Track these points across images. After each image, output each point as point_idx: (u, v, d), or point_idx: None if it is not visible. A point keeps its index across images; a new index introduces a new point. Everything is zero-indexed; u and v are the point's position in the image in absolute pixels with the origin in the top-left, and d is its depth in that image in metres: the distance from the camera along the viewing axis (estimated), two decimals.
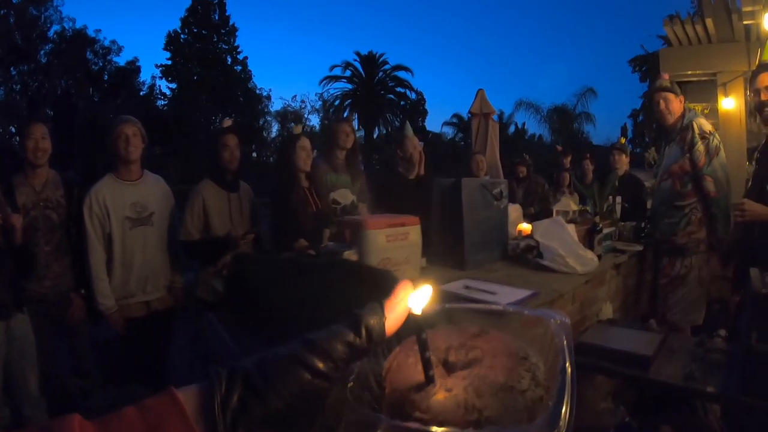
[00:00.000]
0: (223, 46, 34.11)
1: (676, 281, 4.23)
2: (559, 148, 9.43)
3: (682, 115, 4.30)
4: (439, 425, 0.64)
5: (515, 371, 0.71)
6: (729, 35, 8.47)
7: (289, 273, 2.14)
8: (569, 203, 4.88)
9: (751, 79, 3.63)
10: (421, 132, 33.70)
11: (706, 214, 4.12)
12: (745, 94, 8.35)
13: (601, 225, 3.96)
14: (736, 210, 3.47)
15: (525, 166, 7.90)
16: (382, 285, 1.88)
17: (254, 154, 33.59)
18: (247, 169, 5.79)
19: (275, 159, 25.75)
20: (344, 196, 4.54)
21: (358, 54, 37.73)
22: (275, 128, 35.59)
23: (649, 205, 5.74)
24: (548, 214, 5.21)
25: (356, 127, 35.54)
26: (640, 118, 31.09)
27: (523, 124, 37.84)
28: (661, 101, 4.31)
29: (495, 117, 8.57)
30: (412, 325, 0.73)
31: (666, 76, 4.47)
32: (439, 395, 0.69)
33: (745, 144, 8.33)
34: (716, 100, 9.03)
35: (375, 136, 37.84)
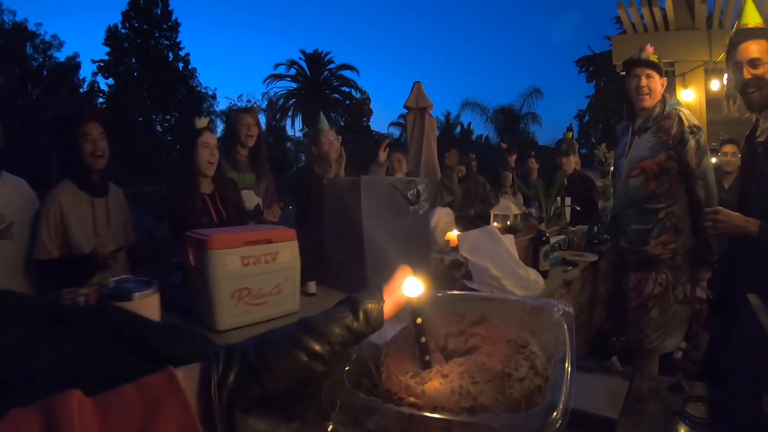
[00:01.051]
0: (165, 42, 33.11)
1: (649, 302, 3.56)
2: (504, 145, 8.77)
3: (663, 102, 3.62)
4: (434, 411, 0.64)
5: (513, 359, 0.70)
6: (688, 22, 7.89)
7: (38, 327, 1.38)
8: (509, 205, 4.08)
9: (728, 51, 2.90)
10: (365, 132, 33.21)
11: (686, 222, 3.54)
12: (706, 85, 7.89)
13: (547, 233, 3.17)
14: (707, 219, 2.84)
15: (464, 164, 7.33)
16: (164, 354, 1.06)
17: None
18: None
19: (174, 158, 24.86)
20: (248, 199, 4.01)
21: (303, 52, 37.44)
22: (220, 128, 34.18)
23: (600, 206, 5.05)
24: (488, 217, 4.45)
25: (300, 127, 35.11)
26: (587, 118, 31.90)
27: (469, 124, 38.34)
28: (644, 77, 3.59)
29: (433, 112, 7.81)
30: (411, 311, 0.71)
31: (650, 49, 3.72)
32: (435, 381, 0.68)
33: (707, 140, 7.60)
34: (674, 93, 8.15)
35: None
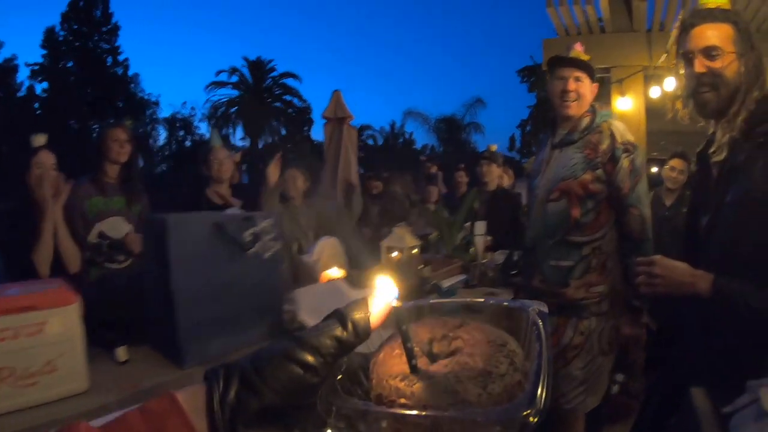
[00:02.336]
0: (105, 45, 32.32)
1: (568, 353, 2.90)
2: (423, 158, 8.20)
3: (592, 112, 3.00)
4: (423, 409, 0.67)
5: (494, 358, 0.73)
6: (626, 24, 7.28)
7: None
8: (404, 236, 3.37)
9: (678, 38, 2.11)
10: (304, 141, 32.76)
11: (615, 260, 2.92)
12: (645, 92, 7.25)
13: (434, 280, 2.50)
14: (639, 271, 2.04)
15: (380, 180, 6.85)
16: None
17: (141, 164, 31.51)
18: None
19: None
20: (115, 227, 3.61)
21: (246, 59, 37.06)
22: (163, 136, 34.44)
23: None
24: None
25: (242, 135, 34.98)
26: (528, 128, 32.27)
27: (411, 134, 38.27)
28: (571, 80, 2.96)
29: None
30: (395, 318, 0.73)
31: (580, 47, 3.09)
32: (423, 382, 0.70)
33: (645, 155, 6.98)
34: (610, 101, 7.67)
35: (260, 146, 36.46)
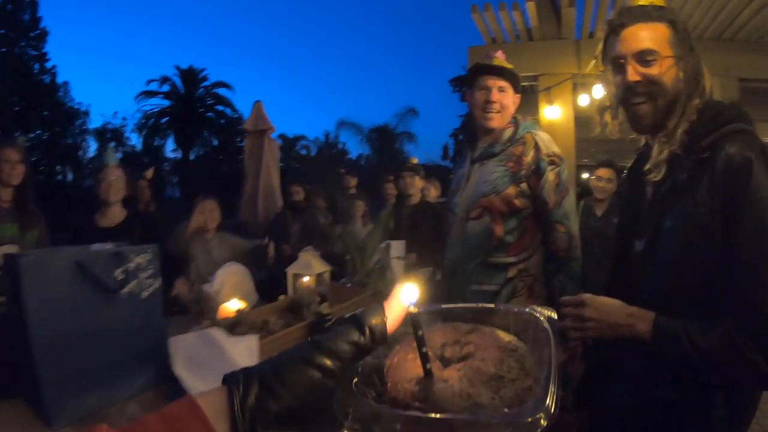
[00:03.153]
0: (32, 51, 30.63)
1: None
2: (342, 169, 7.84)
3: (515, 123, 2.81)
4: (437, 413, 0.71)
5: (505, 362, 0.79)
6: (554, 31, 7.10)
7: None
8: (310, 262, 3.06)
9: (605, 41, 1.79)
10: (236, 153, 32.39)
11: (541, 283, 2.71)
12: (574, 100, 7.07)
13: (334, 316, 2.21)
14: (566, 313, 1.68)
15: (302, 187, 6.27)
16: None
17: (61, 176, 30.92)
18: (55, 192, 4.27)
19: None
20: None
21: (178, 68, 35.95)
22: (93, 148, 32.93)
23: None
24: (330, 258, 3.46)
25: (173, 147, 34.38)
26: (461, 137, 32.19)
27: (344, 144, 38.05)
28: (495, 90, 2.74)
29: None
30: (411, 324, 0.79)
31: (501, 55, 2.85)
32: (437, 386, 0.76)
33: (575, 167, 6.89)
34: (537, 110, 7.43)
35: (192, 157, 35.76)
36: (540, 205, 2.65)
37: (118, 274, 1.91)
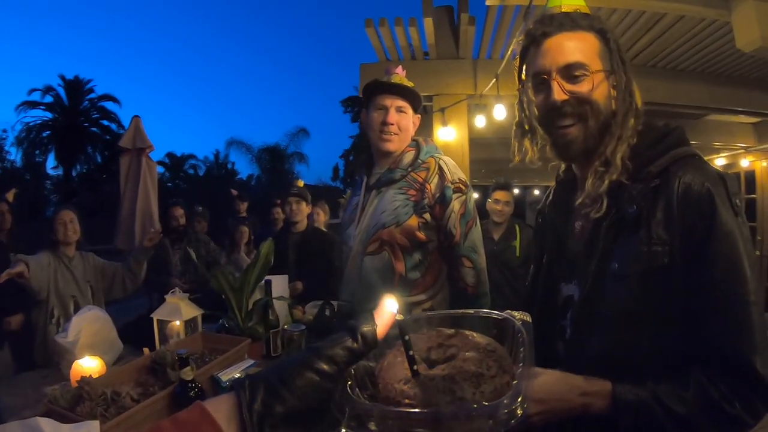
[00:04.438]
0: None
1: None
2: (234, 192, 7.49)
3: (416, 147, 2.61)
4: (426, 407, 0.79)
5: (484, 362, 0.85)
6: (452, 50, 6.97)
7: None
8: (179, 307, 2.70)
9: (522, 53, 1.53)
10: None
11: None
12: (470, 120, 6.93)
13: (195, 381, 1.88)
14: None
15: (185, 210, 5.90)
16: None
17: None
18: None
19: None
20: None
21: (62, 78, 34.24)
22: None
23: None
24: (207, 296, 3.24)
25: (54, 164, 32.77)
26: (351, 157, 32.60)
27: (233, 164, 37.47)
28: (393, 111, 2.53)
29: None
30: (398, 330, 0.86)
31: (401, 71, 2.66)
32: (423, 385, 0.82)
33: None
34: (431, 132, 7.25)
35: (74, 174, 34.02)
36: (445, 238, 2.45)
37: None
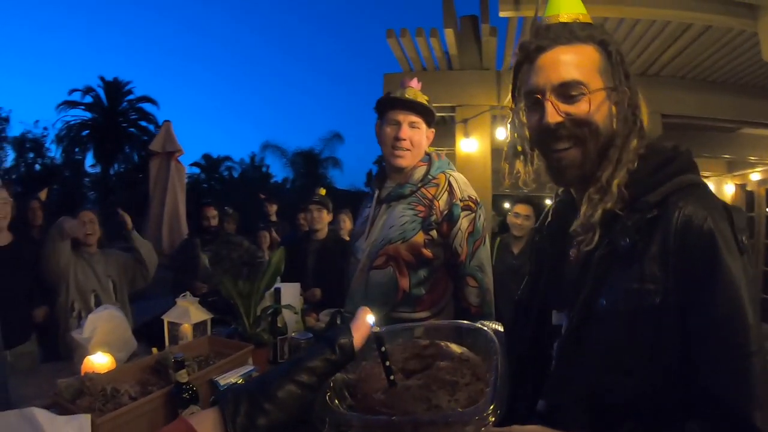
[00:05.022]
0: None
1: None
2: (262, 195, 7.53)
3: (428, 162, 2.57)
4: (404, 415, 0.81)
5: (459, 370, 0.89)
6: (474, 60, 6.84)
7: None
8: (188, 310, 2.78)
9: (516, 69, 1.39)
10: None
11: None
12: (492, 133, 6.79)
13: (193, 386, 1.96)
14: None
15: (217, 211, 5.77)
16: None
17: None
18: None
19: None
20: None
21: (102, 79, 34.77)
22: (11, 157, 31.18)
23: None
24: (223, 300, 3.18)
25: (92, 162, 33.54)
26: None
27: (267, 167, 37.86)
28: (406, 126, 2.49)
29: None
30: (375, 341, 0.90)
31: (416, 84, 2.59)
32: (401, 394, 0.86)
33: (491, 202, 6.67)
34: (453, 143, 7.02)
35: (111, 172, 34.56)
36: (451, 256, 2.42)
37: None
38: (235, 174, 36.68)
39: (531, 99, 1.31)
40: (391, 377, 0.88)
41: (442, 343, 1.00)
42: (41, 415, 1.61)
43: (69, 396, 1.89)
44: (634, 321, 1.16)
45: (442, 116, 7.51)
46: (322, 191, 5.19)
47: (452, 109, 6.96)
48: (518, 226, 4.98)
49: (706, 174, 11.51)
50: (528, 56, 1.32)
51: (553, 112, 1.25)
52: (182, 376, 1.90)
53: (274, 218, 7.05)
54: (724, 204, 1.18)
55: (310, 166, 30.84)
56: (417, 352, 0.98)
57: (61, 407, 1.83)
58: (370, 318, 0.92)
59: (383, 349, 0.89)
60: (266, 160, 36.62)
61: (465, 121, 6.68)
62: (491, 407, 0.78)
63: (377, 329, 0.91)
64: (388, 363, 0.89)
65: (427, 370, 0.93)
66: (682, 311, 1.12)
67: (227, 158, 37.17)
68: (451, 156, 6.86)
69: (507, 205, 6.89)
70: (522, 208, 4.96)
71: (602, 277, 1.23)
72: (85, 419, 1.65)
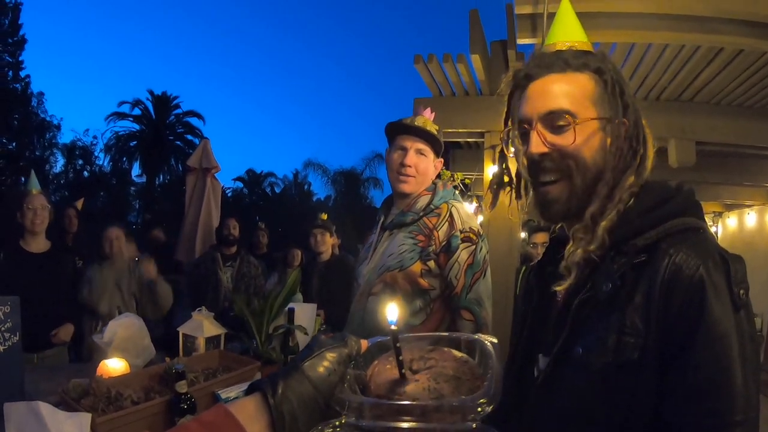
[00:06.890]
0: (8, 58, 29.53)
1: None
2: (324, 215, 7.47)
3: (433, 191, 2.55)
4: (413, 401, 0.88)
5: (460, 368, 0.95)
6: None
7: None
8: (202, 324, 2.90)
9: (510, 96, 1.34)
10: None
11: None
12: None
13: (189, 394, 2.08)
14: None
15: (238, 223, 5.69)
16: None
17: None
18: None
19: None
20: None
21: (151, 93, 35.67)
22: (61, 163, 31.82)
23: None
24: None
25: (138, 173, 34.20)
26: None
27: (309, 185, 38.32)
28: (412, 153, 2.51)
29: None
30: (391, 338, 0.95)
31: (429, 114, 2.63)
32: (410, 385, 0.92)
33: (519, 229, 6.46)
34: (482, 169, 6.87)
35: (156, 183, 35.19)
36: (446, 287, 2.40)
37: None
38: (278, 190, 37.23)
39: (521, 128, 1.26)
40: (403, 370, 0.94)
41: (445, 348, 1.04)
42: (45, 408, 1.75)
43: (75, 395, 2.02)
44: (608, 375, 1.08)
45: (473, 142, 7.52)
46: (324, 216, 5.37)
47: (481, 135, 6.90)
48: (537, 256, 4.89)
49: (747, 203, 11.31)
50: (519, 84, 1.28)
51: (538, 143, 1.19)
52: (181, 387, 2.01)
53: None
54: (722, 252, 1.07)
55: (351, 185, 30.82)
56: (422, 355, 1.03)
57: (67, 404, 1.96)
58: (393, 314, 0.97)
59: (398, 344, 0.94)
60: (309, 178, 36.82)
61: (493, 147, 6.48)
62: (487, 397, 0.85)
63: (395, 328, 0.95)
64: (401, 357, 0.94)
65: (432, 367, 0.98)
66: (661, 370, 1.04)
67: (270, 174, 37.84)
68: (479, 182, 6.82)
69: (523, 235, 6.73)
70: (540, 237, 4.89)
71: (581, 324, 1.15)
72: (86, 417, 1.78)
